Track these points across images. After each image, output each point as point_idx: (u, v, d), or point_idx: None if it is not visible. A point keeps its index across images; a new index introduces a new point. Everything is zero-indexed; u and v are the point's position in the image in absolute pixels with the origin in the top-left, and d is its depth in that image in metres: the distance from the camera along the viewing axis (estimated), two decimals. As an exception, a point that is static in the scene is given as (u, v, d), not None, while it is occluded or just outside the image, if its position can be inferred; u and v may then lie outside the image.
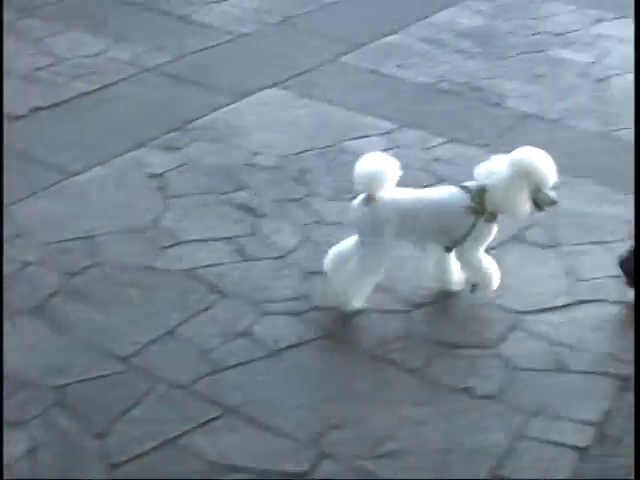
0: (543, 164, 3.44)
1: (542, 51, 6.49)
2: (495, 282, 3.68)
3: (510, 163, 3.45)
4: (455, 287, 3.78)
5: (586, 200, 4.53)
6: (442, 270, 3.74)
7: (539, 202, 3.49)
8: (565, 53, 6.48)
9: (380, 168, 3.44)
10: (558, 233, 4.24)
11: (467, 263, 3.64)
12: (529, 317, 3.67)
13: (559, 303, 3.77)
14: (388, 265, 3.59)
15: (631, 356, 3.40)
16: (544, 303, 3.76)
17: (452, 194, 3.56)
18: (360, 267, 3.54)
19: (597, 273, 3.96)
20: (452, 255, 3.67)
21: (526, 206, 3.48)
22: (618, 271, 3.84)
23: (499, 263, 3.77)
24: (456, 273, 3.76)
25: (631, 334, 3.49)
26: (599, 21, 7.13)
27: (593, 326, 3.66)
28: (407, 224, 3.50)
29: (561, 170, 3.49)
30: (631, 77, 6.09)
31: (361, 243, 3.53)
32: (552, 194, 3.48)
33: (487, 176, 3.49)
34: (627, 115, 5.49)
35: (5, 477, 2.84)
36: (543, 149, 3.49)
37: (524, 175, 3.41)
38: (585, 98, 5.76)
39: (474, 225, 3.51)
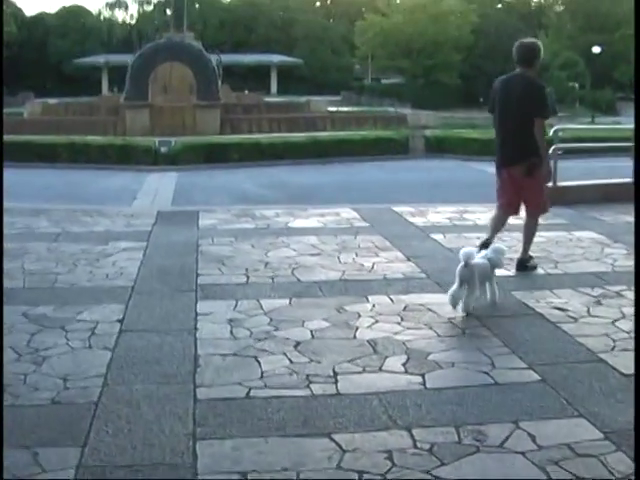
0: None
1: None
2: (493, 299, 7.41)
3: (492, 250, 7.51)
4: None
5: None
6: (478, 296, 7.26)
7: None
8: None
9: (470, 251, 7.17)
10: None
11: (491, 285, 7.36)
12: None
13: None
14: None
15: None
16: None
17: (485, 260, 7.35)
18: (470, 292, 7.07)
19: None
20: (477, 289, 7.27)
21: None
22: None
23: None
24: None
25: None
26: None
27: None
28: (481, 274, 7.19)
29: None
30: None
31: (468, 284, 7.05)
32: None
33: (489, 255, 7.36)
34: None
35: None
36: None
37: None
38: None
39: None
